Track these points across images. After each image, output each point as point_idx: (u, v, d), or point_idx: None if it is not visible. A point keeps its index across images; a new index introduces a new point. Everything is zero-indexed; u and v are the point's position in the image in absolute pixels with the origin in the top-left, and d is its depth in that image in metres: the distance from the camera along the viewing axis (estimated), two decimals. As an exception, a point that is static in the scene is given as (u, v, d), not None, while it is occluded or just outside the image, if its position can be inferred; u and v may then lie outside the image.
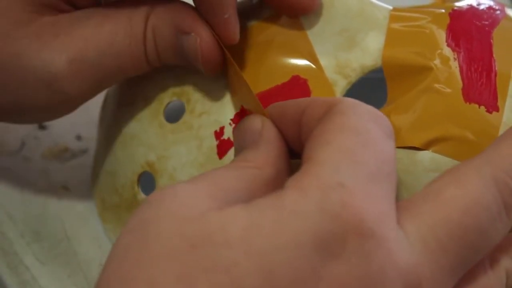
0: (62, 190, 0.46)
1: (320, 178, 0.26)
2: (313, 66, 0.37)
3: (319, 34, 0.37)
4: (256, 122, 0.32)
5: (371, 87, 0.39)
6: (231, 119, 0.37)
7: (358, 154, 0.27)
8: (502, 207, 0.28)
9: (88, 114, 0.50)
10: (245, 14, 0.38)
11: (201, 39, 0.35)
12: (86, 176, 0.46)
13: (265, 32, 0.38)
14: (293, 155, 0.32)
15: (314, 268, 0.25)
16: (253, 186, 0.29)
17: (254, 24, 0.38)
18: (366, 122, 0.28)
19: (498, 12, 0.38)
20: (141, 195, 0.40)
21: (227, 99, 0.37)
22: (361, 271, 0.25)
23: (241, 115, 0.36)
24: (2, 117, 0.39)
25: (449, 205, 0.28)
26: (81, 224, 0.44)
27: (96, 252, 0.42)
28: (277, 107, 0.33)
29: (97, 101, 0.48)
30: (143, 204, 0.27)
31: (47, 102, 0.37)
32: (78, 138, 0.49)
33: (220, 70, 0.37)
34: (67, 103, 0.37)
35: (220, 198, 0.27)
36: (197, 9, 0.36)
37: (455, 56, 0.35)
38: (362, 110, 0.29)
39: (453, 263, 0.28)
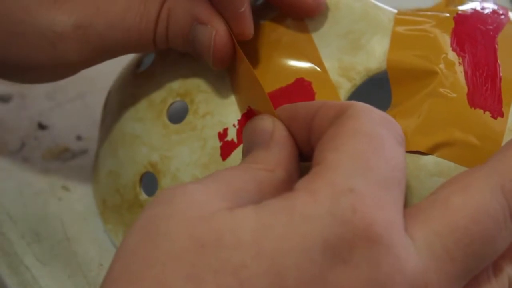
0: (62, 190, 0.46)
1: (331, 183, 0.26)
2: (318, 68, 0.37)
3: (324, 37, 0.37)
4: (267, 123, 0.32)
5: (373, 87, 0.39)
6: (238, 120, 0.37)
7: (370, 159, 0.27)
8: (508, 216, 0.28)
9: (89, 115, 0.50)
10: None
11: (216, 32, 0.35)
12: (86, 176, 0.46)
13: (270, 34, 0.38)
14: (302, 158, 0.32)
15: (322, 272, 0.25)
16: (263, 188, 0.29)
17: (259, 25, 0.38)
18: (378, 127, 0.28)
19: (502, 16, 0.38)
20: (143, 196, 0.40)
21: (231, 101, 0.37)
22: (369, 276, 0.25)
23: (247, 116, 0.36)
24: (5, 73, 0.39)
25: (457, 212, 0.28)
26: (81, 224, 0.44)
27: (96, 252, 0.42)
28: (287, 109, 0.32)
29: (98, 101, 0.48)
30: (152, 202, 0.27)
31: (49, 61, 0.37)
32: (78, 138, 0.49)
33: (227, 66, 0.37)
34: (67, 66, 0.37)
35: (230, 199, 0.27)
36: (212, 2, 0.36)
37: (460, 60, 0.35)
38: (374, 116, 0.29)
39: (458, 270, 0.28)
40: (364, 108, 0.29)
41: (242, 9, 0.35)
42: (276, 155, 0.30)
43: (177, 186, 0.27)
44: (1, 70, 0.38)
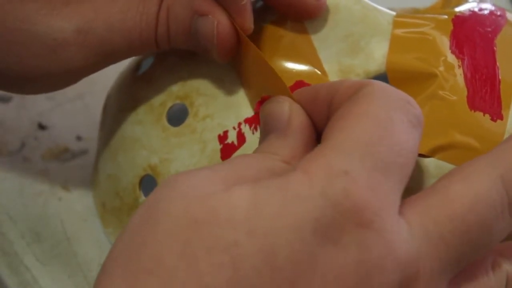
0: (62, 190, 0.46)
1: (327, 164, 0.26)
2: (317, 71, 0.37)
3: (323, 39, 0.37)
4: (284, 107, 0.32)
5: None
6: (238, 122, 0.37)
7: (373, 144, 0.27)
8: (506, 206, 0.29)
9: (88, 115, 0.50)
10: None
11: (218, 22, 0.35)
12: (86, 177, 0.46)
13: (269, 36, 0.38)
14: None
15: (312, 252, 0.25)
16: None
17: (258, 27, 0.38)
18: (390, 109, 0.28)
19: (500, 18, 0.38)
20: (143, 199, 0.40)
21: (231, 103, 0.37)
22: (358, 259, 0.26)
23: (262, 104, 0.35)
24: (5, 85, 0.39)
25: (455, 201, 0.28)
26: (81, 224, 0.44)
27: (96, 252, 0.43)
28: (308, 90, 0.32)
29: (97, 101, 0.48)
30: (158, 186, 0.27)
31: (50, 70, 0.36)
32: (78, 138, 0.49)
33: (232, 57, 0.36)
34: (69, 73, 0.37)
35: (235, 184, 0.27)
36: None
37: (459, 63, 0.36)
38: (389, 96, 0.29)
39: (452, 257, 0.28)
40: (381, 88, 0.29)
41: (243, 2, 0.35)
42: (293, 145, 0.30)
43: (186, 172, 0.28)
44: (2, 81, 0.38)
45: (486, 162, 0.29)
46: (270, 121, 0.32)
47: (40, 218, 0.44)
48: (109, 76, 0.45)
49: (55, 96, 0.51)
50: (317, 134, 0.32)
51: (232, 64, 0.37)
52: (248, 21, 0.35)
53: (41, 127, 0.49)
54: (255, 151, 0.31)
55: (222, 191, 0.26)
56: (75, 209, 0.45)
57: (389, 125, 0.28)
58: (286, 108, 0.32)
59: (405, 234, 0.27)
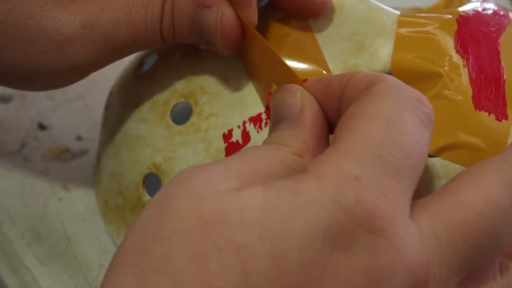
0: (62, 190, 0.46)
1: (339, 168, 0.26)
2: (322, 70, 0.37)
3: (328, 38, 0.37)
4: (296, 96, 0.31)
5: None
6: (243, 121, 0.37)
7: (384, 146, 0.27)
8: None
9: (89, 115, 0.50)
10: None
11: (222, 13, 0.35)
12: (86, 177, 0.46)
13: (274, 35, 0.38)
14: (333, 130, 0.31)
15: (322, 258, 0.25)
16: (290, 173, 0.28)
17: (263, 26, 0.38)
18: (402, 109, 0.28)
19: (503, 18, 0.38)
20: (146, 197, 0.40)
21: (236, 102, 0.37)
22: (368, 266, 0.25)
23: None
24: (10, 81, 0.39)
25: (466, 205, 0.28)
26: (82, 224, 0.44)
27: (96, 252, 0.42)
28: (321, 80, 0.32)
29: (98, 101, 0.48)
30: (171, 180, 0.27)
31: (56, 66, 0.36)
32: (79, 138, 0.49)
33: (237, 50, 0.36)
34: (75, 69, 0.37)
35: (250, 180, 0.27)
36: None
37: (464, 63, 0.36)
38: (401, 94, 0.28)
39: (462, 263, 0.28)
40: (393, 86, 0.29)
41: None
42: (304, 137, 0.30)
43: (199, 166, 0.28)
44: (8, 78, 0.38)
45: (496, 167, 0.29)
46: (281, 110, 0.32)
47: (40, 218, 0.44)
48: (110, 76, 0.45)
49: (55, 96, 0.51)
50: (328, 124, 0.31)
51: (238, 56, 0.37)
52: (253, 15, 0.35)
53: (41, 127, 0.49)
54: (265, 141, 0.31)
55: (234, 190, 0.26)
56: (75, 209, 0.45)
57: (400, 125, 0.27)
58: (298, 98, 0.31)
59: (415, 240, 0.27)
